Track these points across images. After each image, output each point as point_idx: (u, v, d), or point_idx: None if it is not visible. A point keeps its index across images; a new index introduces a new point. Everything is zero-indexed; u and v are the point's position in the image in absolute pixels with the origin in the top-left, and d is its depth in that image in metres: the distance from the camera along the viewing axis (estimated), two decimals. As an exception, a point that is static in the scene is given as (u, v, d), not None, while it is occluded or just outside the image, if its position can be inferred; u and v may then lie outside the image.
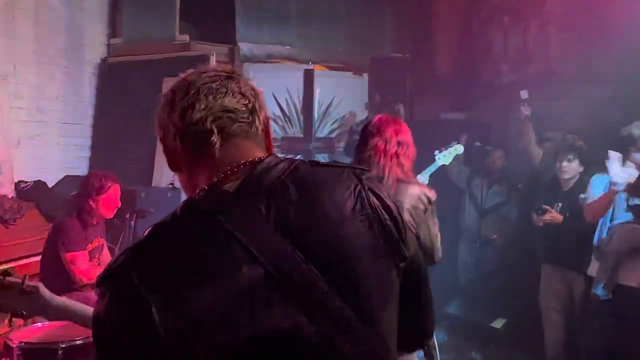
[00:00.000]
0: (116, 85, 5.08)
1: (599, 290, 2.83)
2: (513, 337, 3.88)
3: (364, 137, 2.28)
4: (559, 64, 5.13)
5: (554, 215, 3.50)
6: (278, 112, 5.49)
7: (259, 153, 0.96)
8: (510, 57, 5.56)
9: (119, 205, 3.29)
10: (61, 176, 4.73)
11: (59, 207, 4.20)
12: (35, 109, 4.52)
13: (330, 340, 0.82)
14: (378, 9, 5.83)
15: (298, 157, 5.54)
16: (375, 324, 0.88)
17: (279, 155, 0.98)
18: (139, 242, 0.86)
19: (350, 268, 0.88)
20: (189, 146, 0.95)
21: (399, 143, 2.22)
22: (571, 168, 3.50)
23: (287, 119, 5.52)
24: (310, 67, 5.54)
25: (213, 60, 4.79)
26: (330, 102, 5.65)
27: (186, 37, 5.09)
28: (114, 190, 3.21)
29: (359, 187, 0.94)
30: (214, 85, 0.95)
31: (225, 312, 0.79)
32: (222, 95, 0.94)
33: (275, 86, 5.47)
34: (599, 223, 3.10)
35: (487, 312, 4.16)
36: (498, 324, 4.00)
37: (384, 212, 0.94)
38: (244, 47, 5.29)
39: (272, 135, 1.03)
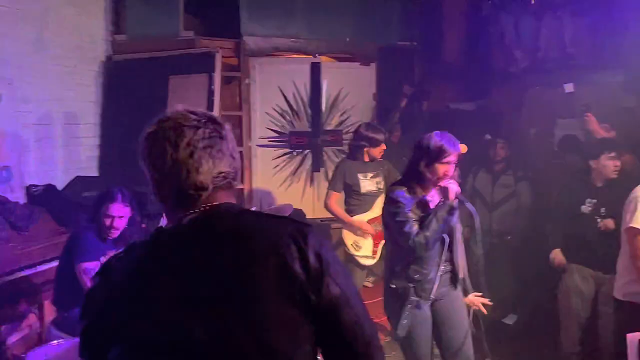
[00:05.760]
0: (122, 83, 5.04)
1: None
2: (524, 333, 3.87)
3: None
4: (572, 50, 5.01)
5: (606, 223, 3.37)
6: (285, 107, 5.43)
7: (229, 200, 1.19)
8: (522, 43, 5.42)
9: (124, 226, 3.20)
10: (72, 177, 4.75)
11: (70, 210, 4.22)
12: (42, 111, 4.51)
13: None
14: (385, -3, 5.70)
15: (306, 152, 5.53)
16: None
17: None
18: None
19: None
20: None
21: None
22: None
23: (294, 113, 5.46)
24: (317, 59, 5.46)
25: (219, 57, 4.73)
26: (338, 94, 5.58)
27: (191, 33, 5.02)
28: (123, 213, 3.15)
29: (282, 240, 1.10)
30: (213, 150, 1.15)
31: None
32: (219, 162, 1.16)
33: (282, 80, 5.41)
34: None
35: (499, 307, 4.15)
36: (510, 320, 4.00)
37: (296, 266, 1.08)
38: (250, 41, 5.21)
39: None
